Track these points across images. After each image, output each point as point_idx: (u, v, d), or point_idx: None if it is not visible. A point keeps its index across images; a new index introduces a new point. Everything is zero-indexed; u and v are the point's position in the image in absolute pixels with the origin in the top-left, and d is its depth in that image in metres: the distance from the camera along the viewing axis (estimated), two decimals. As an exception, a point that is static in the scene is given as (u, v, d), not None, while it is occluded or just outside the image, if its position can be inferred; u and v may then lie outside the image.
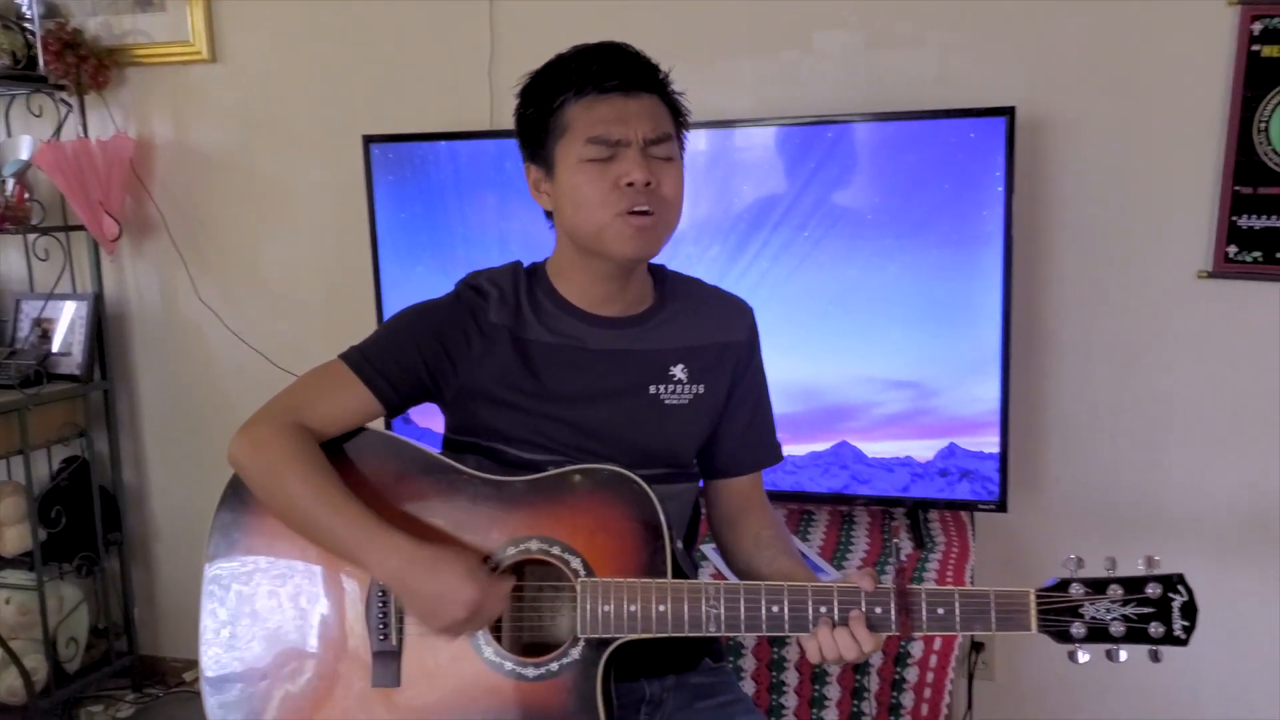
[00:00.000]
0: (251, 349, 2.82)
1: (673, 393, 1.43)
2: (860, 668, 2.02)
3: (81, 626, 2.90)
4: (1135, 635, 1.25)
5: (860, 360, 2.27)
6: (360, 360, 1.38)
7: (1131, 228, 2.31)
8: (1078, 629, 1.24)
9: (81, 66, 2.74)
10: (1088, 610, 1.24)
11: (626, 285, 1.42)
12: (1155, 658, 1.26)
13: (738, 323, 1.51)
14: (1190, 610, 1.24)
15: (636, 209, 1.31)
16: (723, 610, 1.26)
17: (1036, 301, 2.38)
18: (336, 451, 1.38)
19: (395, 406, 1.40)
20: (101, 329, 2.92)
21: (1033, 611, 1.24)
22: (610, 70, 1.33)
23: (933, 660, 1.99)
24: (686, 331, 1.46)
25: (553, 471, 1.34)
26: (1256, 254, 2.26)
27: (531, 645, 1.34)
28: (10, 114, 2.91)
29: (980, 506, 2.25)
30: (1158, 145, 2.28)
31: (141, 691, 2.99)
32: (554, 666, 1.29)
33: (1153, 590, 1.24)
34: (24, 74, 2.72)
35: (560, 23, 2.51)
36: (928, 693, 2.00)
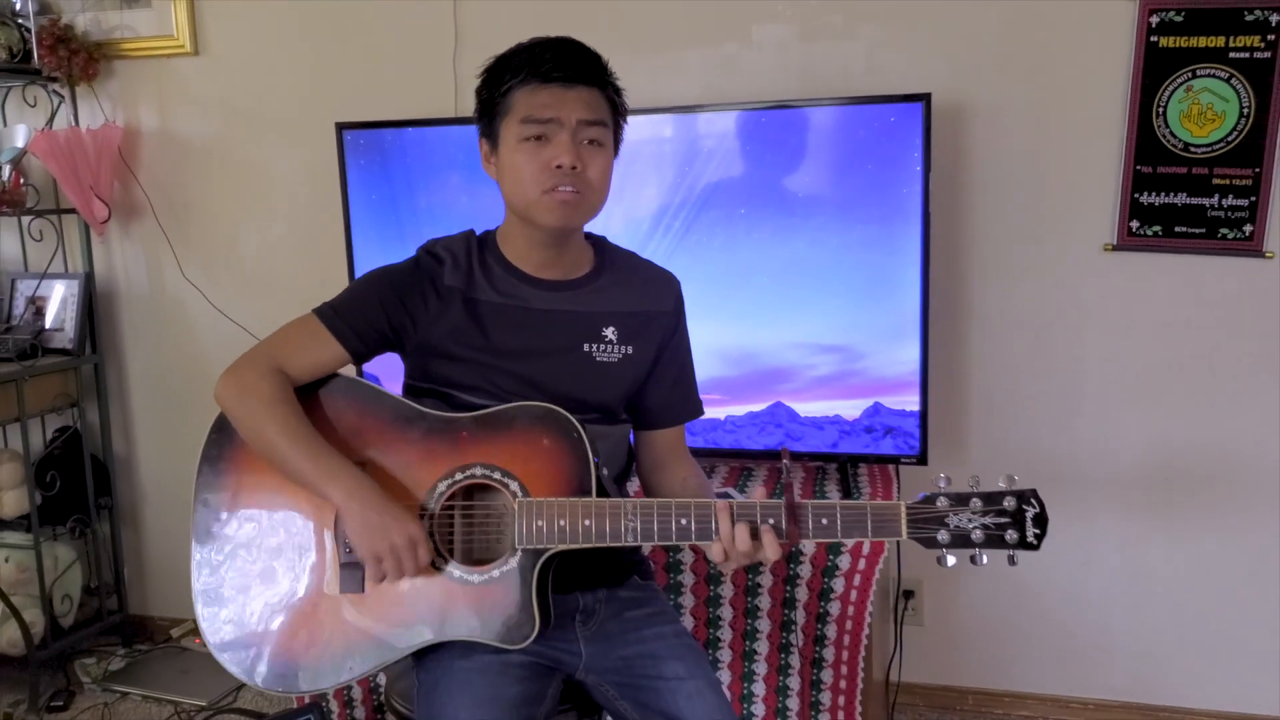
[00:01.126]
0: (233, 323, 3.00)
1: (604, 351, 1.61)
2: (789, 603, 2.22)
3: (75, 585, 3.08)
4: (993, 541, 1.43)
5: (793, 327, 2.46)
6: (332, 315, 1.57)
7: (1043, 205, 2.52)
8: (943, 536, 1.43)
9: (73, 60, 2.91)
10: (952, 520, 1.43)
11: (563, 252, 1.60)
12: (1012, 561, 1.45)
13: (666, 293, 1.70)
14: (1041, 520, 1.42)
15: (562, 188, 1.50)
16: (639, 523, 1.45)
17: (958, 273, 2.58)
18: (313, 392, 1.57)
19: (361, 355, 1.59)
20: (92, 306, 3.10)
21: (903, 521, 1.42)
22: (556, 62, 1.49)
23: (853, 595, 2.20)
24: (619, 298, 1.64)
25: (495, 408, 1.53)
26: (1156, 228, 2.46)
27: (480, 558, 1.52)
28: (7, 105, 3.09)
29: (903, 460, 2.44)
30: (1066, 129, 2.48)
31: (131, 647, 3.18)
32: (495, 574, 1.48)
33: (1009, 503, 1.42)
34: (19, 67, 2.88)
35: (520, 15, 2.70)
36: (849, 625, 2.21)
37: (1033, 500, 1.43)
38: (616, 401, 1.64)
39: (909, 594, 2.75)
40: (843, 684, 2.24)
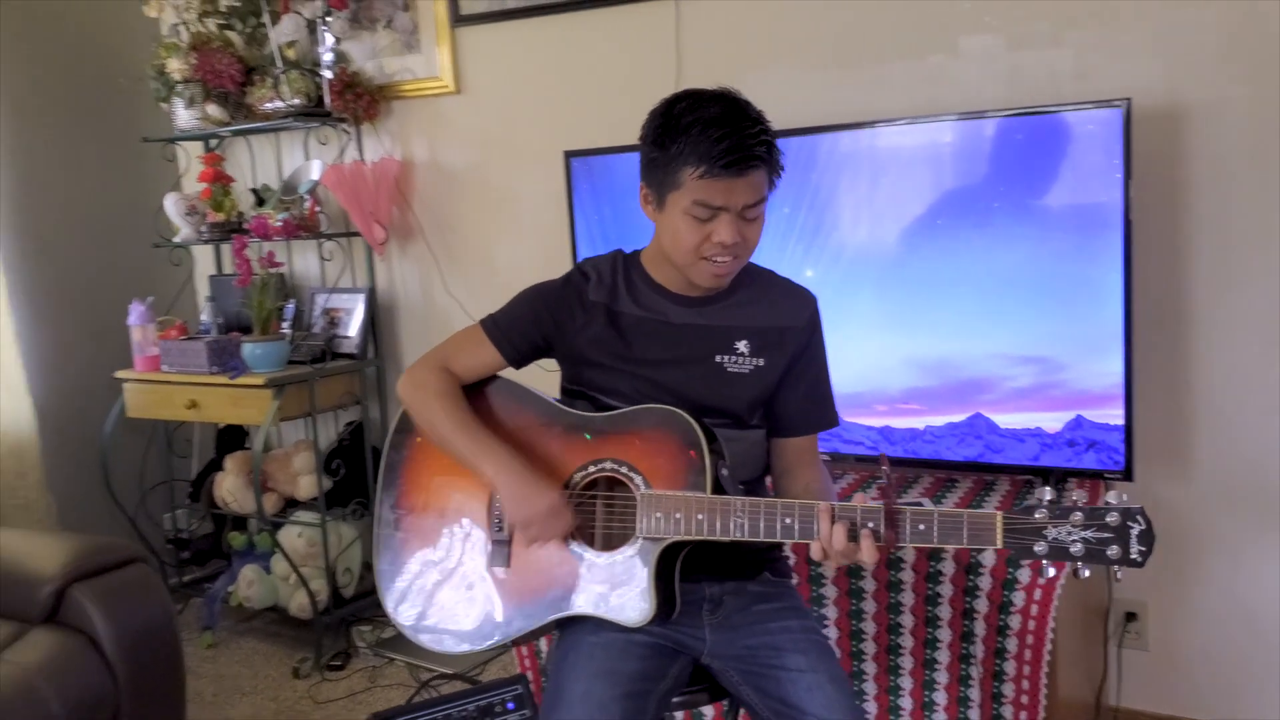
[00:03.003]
0: (487, 333, 3.33)
1: (735, 363, 1.74)
2: (968, 614, 2.22)
3: (355, 560, 3.50)
4: (1094, 556, 1.43)
5: (992, 337, 2.45)
6: (493, 326, 1.80)
7: (1274, 206, 2.36)
8: (1040, 547, 1.44)
9: (357, 103, 3.34)
10: (1050, 532, 1.44)
11: None
12: (1115, 576, 1.44)
13: (800, 311, 1.78)
14: (1147, 537, 1.41)
15: (720, 259, 1.64)
16: (746, 520, 1.57)
17: (1176, 279, 2.46)
18: (478, 391, 1.80)
19: (516, 361, 1.80)
20: (374, 316, 3.53)
21: (999, 530, 1.45)
22: (729, 152, 1.55)
23: (1034, 610, 2.17)
24: (754, 313, 1.76)
25: (626, 409, 1.70)
26: None
27: (616, 544, 1.67)
28: (308, 143, 3.57)
29: (1106, 476, 2.37)
30: (1299, 127, 2.32)
31: (403, 619, 3.57)
32: (619, 558, 1.64)
33: (1112, 518, 1.42)
34: (314, 111, 3.34)
35: (735, 45, 2.84)
36: (1030, 640, 2.18)
37: (1139, 517, 1.42)
38: (745, 408, 1.75)
39: (1131, 616, 2.64)
40: (1024, 699, 2.21)
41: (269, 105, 3.36)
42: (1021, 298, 2.41)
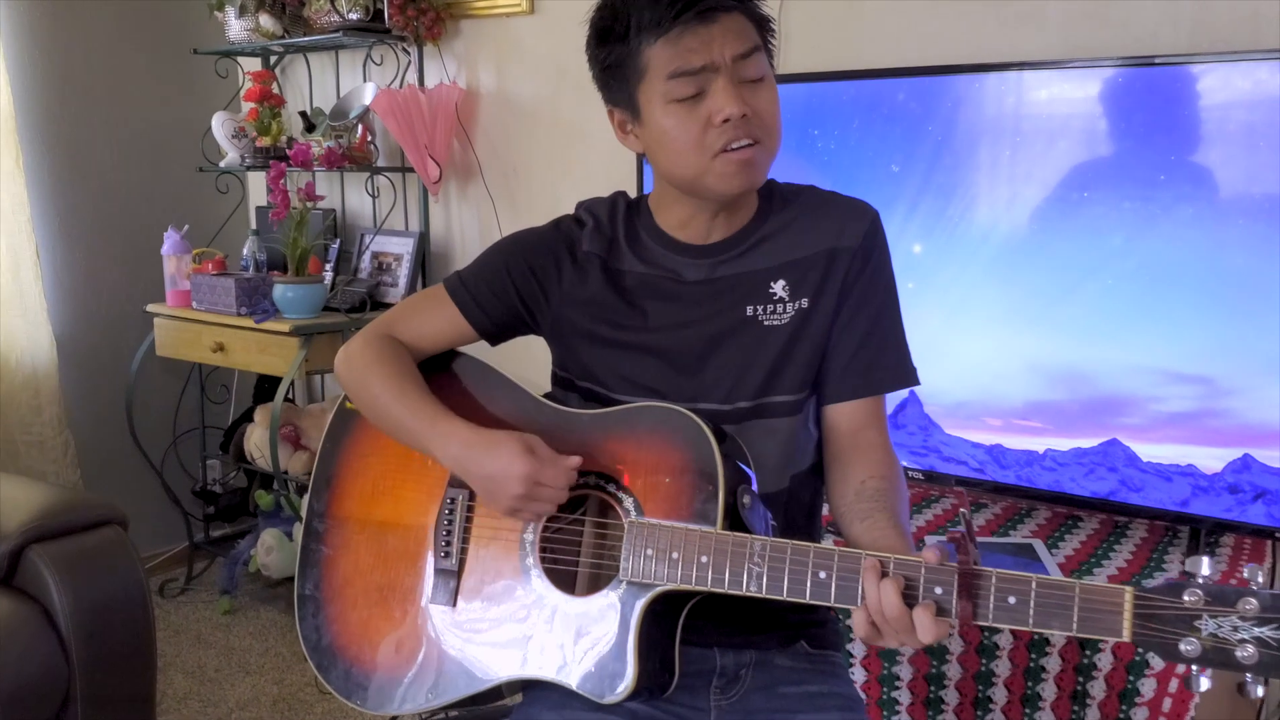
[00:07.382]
0: (544, 291, 2.91)
1: (772, 312, 1.30)
2: (1077, 697, 1.74)
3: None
4: (1274, 666, 0.94)
5: (1140, 346, 1.94)
6: (458, 284, 1.40)
7: None
8: (1189, 646, 0.96)
9: (420, 19, 2.94)
10: (1206, 624, 0.96)
11: (733, 213, 1.32)
12: None
13: (850, 228, 1.32)
14: None
15: (736, 145, 1.21)
16: (766, 570, 1.13)
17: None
18: (429, 371, 1.39)
19: (490, 332, 1.40)
20: (425, 264, 3.15)
21: (1128, 614, 0.98)
22: None
23: (1166, 704, 1.68)
24: (789, 244, 1.32)
25: (619, 407, 1.27)
26: None
27: (596, 584, 1.26)
28: (368, 65, 3.19)
29: (1278, 535, 1.85)
30: None
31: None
32: (593, 605, 1.22)
33: None
34: (370, 26, 2.95)
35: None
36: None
37: None
38: (793, 374, 1.30)
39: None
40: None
41: (326, 19, 2.99)
42: (1181, 299, 1.89)
